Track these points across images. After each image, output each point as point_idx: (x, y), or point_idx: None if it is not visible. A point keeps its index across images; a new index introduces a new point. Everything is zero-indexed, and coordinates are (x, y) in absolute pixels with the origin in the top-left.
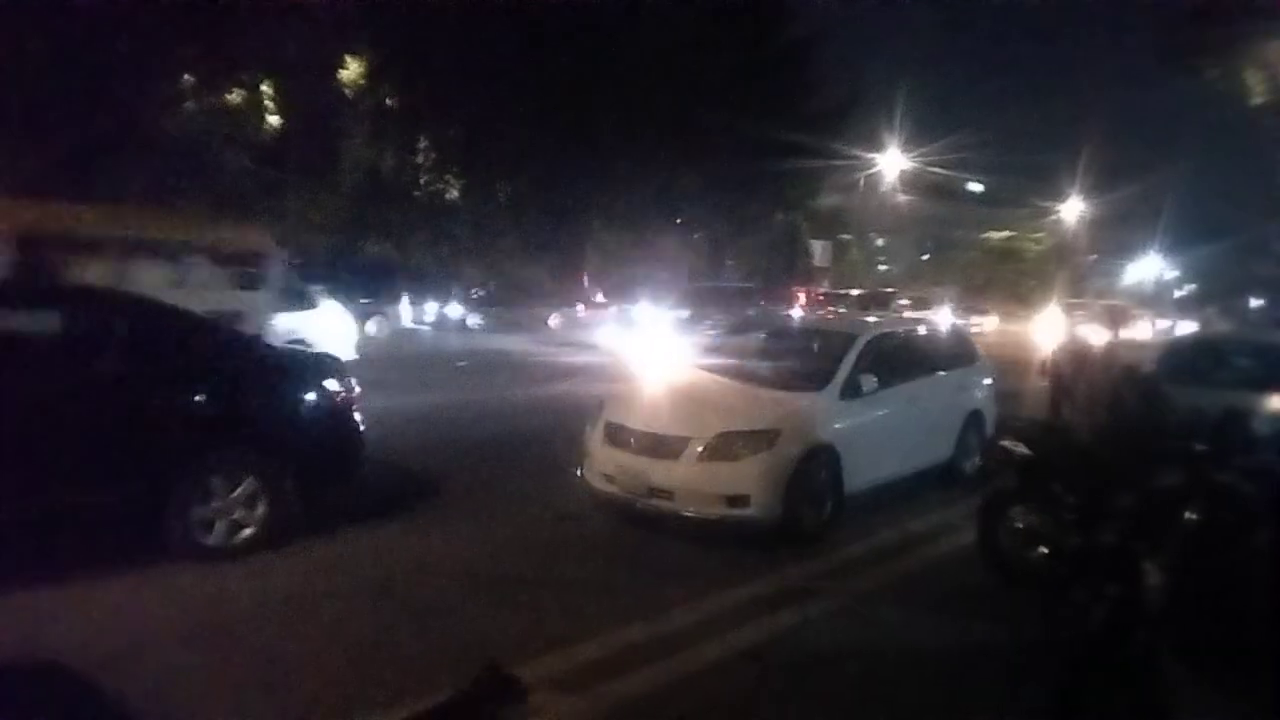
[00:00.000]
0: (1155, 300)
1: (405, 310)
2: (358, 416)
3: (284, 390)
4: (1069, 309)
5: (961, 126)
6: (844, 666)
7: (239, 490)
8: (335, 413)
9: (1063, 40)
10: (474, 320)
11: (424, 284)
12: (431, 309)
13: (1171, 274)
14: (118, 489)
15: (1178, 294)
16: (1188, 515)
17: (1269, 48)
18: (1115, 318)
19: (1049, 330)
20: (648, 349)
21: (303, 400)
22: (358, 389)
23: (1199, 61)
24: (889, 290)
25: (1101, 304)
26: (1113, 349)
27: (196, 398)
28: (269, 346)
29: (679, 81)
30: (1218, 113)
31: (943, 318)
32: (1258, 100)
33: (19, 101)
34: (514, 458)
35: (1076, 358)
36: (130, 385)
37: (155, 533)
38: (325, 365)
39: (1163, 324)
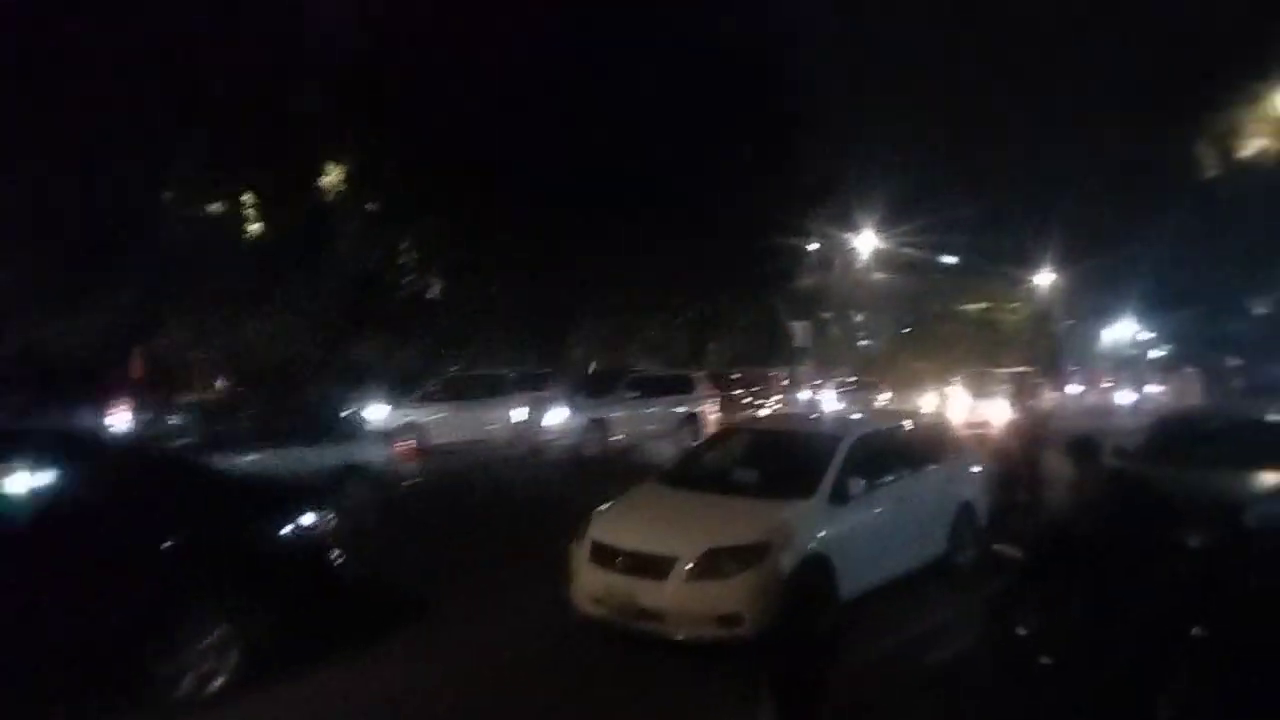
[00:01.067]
0: (1132, 362)
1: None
2: (336, 551)
3: (257, 528)
4: (977, 379)
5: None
6: None
7: (209, 639)
8: (313, 547)
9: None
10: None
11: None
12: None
13: (1146, 336)
14: (76, 641)
15: (1153, 354)
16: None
17: (1217, 123)
18: (1023, 388)
19: (938, 404)
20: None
21: (277, 537)
22: (334, 519)
23: (1154, 139)
24: (772, 374)
25: (1007, 372)
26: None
27: (161, 541)
28: (241, 479)
29: (670, 168)
30: (1185, 180)
31: (825, 398)
32: (1213, 173)
33: (20, 203)
34: (497, 575)
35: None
36: (87, 529)
37: (119, 687)
38: (300, 496)
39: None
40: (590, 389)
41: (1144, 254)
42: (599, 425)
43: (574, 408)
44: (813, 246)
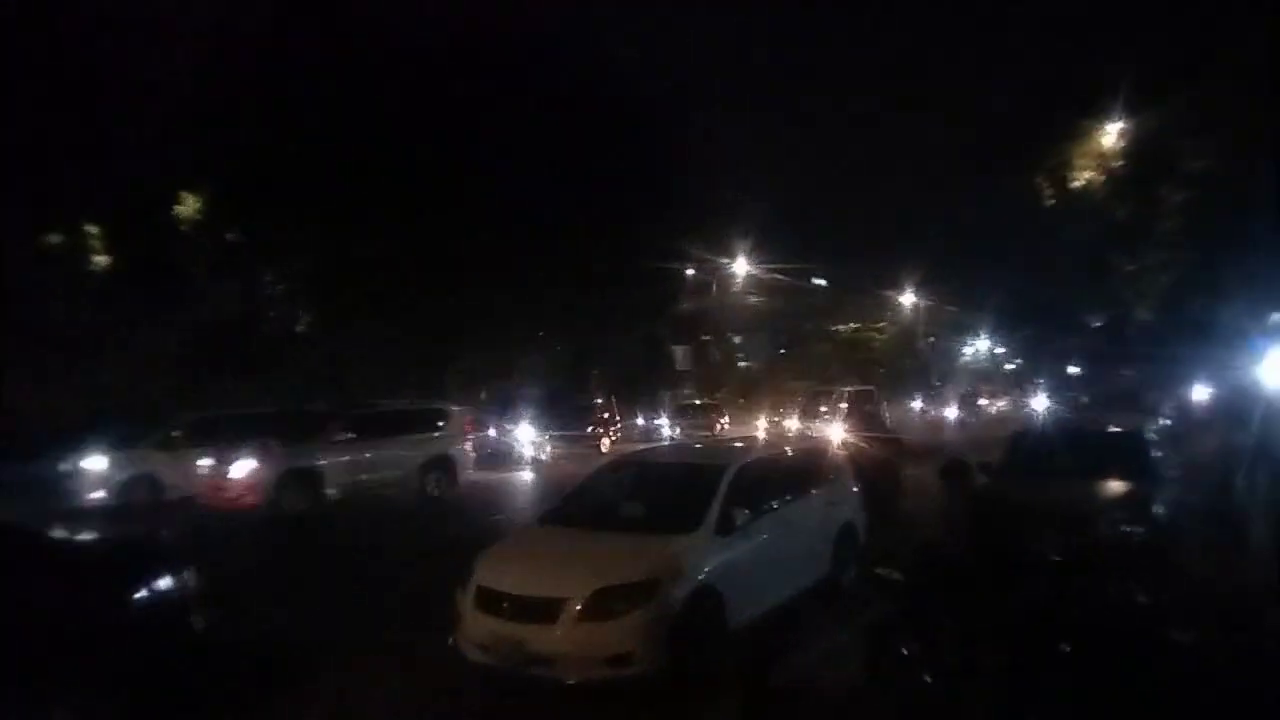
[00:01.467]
0: (990, 376)
1: None
2: (196, 615)
3: (101, 596)
4: (812, 399)
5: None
6: None
7: None
8: (166, 615)
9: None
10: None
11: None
12: None
13: (1000, 350)
14: None
15: (1008, 367)
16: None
17: (1050, 157)
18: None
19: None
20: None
21: (124, 606)
22: (195, 582)
23: (998, 172)
24: (597, 401)
25: (845, 390)
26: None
27: None
28: (84, 545)
29: (539, 194)
30: (1027, 208)
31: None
32: (1049, 202)
33: None
34: (378, 623)
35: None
36: None
37: None
38: (152, 561)
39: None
40: (296, 430)
41: (994, 275)
42: (303, 478)
43: (266, 457)
44: (690, 272)
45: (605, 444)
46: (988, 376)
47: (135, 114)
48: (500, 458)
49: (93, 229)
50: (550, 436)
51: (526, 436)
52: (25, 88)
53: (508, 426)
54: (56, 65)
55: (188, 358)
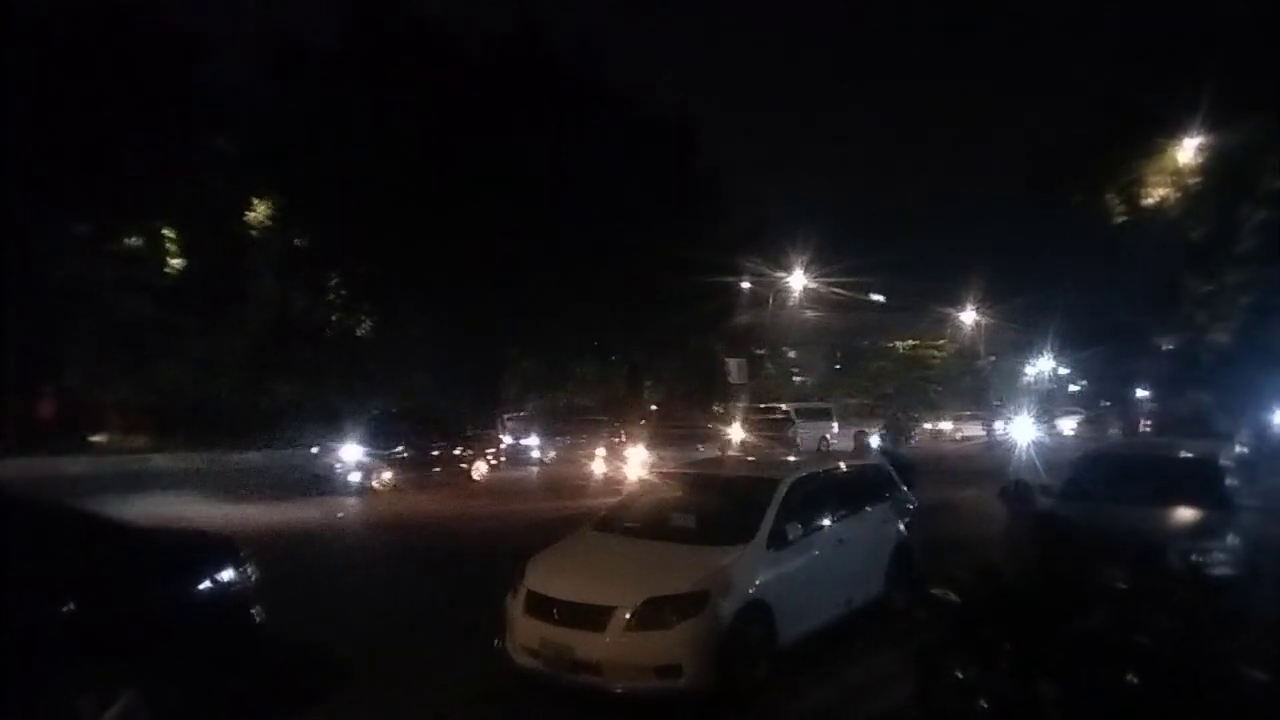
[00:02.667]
0: (1050, 396)
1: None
2: (255, 608)
3: (167, 586)
4: (752, 417)
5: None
6: None
7: (113, 709)
8: (230, 606)
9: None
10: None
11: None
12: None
13: (1064, 371)
14: None
15: (1072, 389)
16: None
17: (1121, 174)
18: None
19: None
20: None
21: (191, 595)
22: (254, 574)
23: (1065, 189)
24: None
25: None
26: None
27: (57, 604)
28: (150, 533)
29: (596, 209)
30: (1097, 226)
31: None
32: (1119, 219)
33: None
34: (429, 625)
35: None
36: None
37: None
38: (217, 552)
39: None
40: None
41: (1060, 294)
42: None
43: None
44: (746, 285)
45: (479, 470)
46: (1049, 397)
47: (212, 124)
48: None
49: (169, 232)
50: (391, 458)
51: (351, 457)
52: (107, 93)
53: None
54: (137, 73)
55: (253, 359)
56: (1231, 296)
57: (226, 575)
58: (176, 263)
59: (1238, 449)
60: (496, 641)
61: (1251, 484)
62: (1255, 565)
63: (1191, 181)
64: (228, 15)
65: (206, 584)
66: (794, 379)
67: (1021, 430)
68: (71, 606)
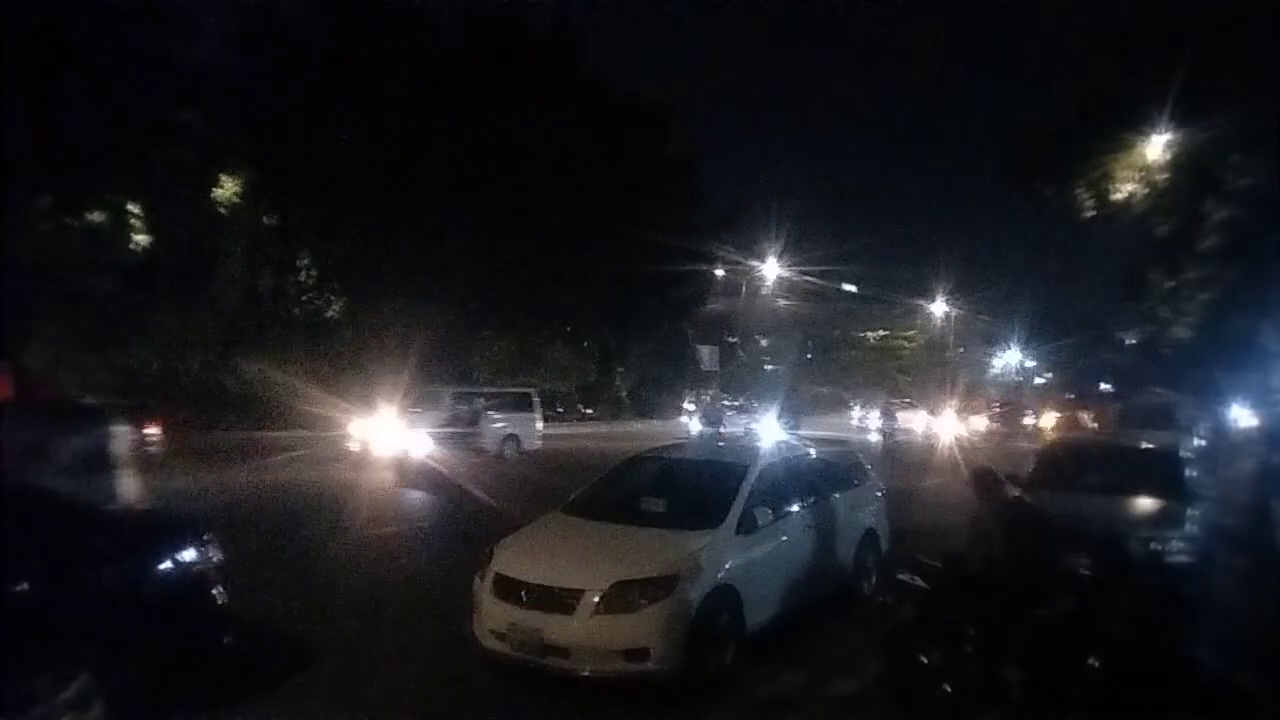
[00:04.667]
0: (1017, 389)
1: None
2: (218, 589)
3: (125, 566)
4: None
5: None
6: None
7: (68, 691)
8: (190, 587)
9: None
10: None
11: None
12: None
13: (1030, 364)
14: None
15: (1038, 381)
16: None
17: (1091, 169)
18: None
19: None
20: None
21: (150, 576)
22: (217, 555)
23: (1034, 182)
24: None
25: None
26: None
27: (10, 583)
28: (108, 513)
29: (569, 192)
30: (1066, 220)
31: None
32: (1087, 214)
33: None
34: (395, 608)
35: None
36: None
37: None
38: (178, 532)
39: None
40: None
41: (1028, 287)
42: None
43: None
44: (720, 273)
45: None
46: (1015, 388)
47: (179, 96)
48: None
49: (134, 208)
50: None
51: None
52: (71, 66)
53: None
54: (102, 45)
55: (222, 338)
56: (1193, 292)
57: (188, 555)
58: (142, 239)
59: (1197, 441)
60: (468, 627)
61: (1209, 475)
62: (1211, 554)
63: (1159, 178)
64: None
65: (167, 564)
66: (765, 367)
67: (945, 426)
68: (25, 586)
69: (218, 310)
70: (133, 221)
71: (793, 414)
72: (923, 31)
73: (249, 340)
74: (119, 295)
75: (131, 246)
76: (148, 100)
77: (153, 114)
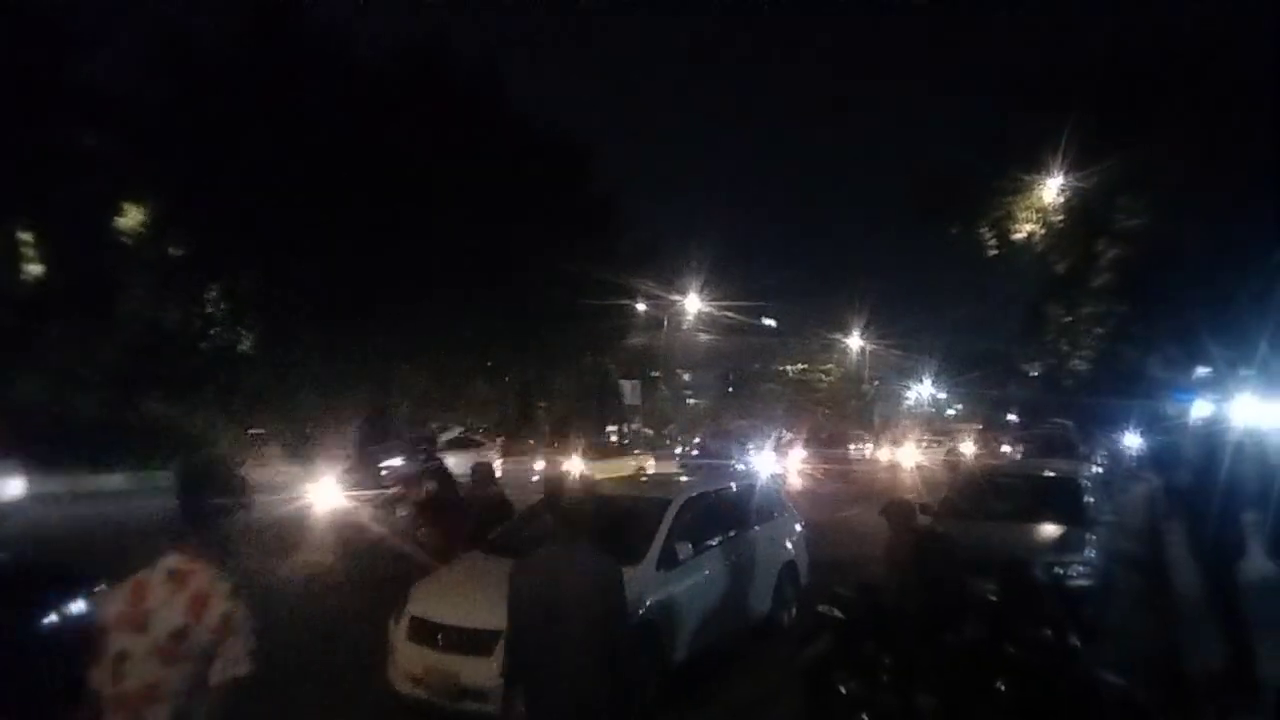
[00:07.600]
0: (929, 421)
1: None
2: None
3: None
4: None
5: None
6: None
7: None
8: (81, 639)
9: (838, 196)
10: None
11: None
12: None
13: (941, 396)
14: None
15: (949, 412)
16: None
17: (993, 209)
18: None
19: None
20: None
21: (33, 629)
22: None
23: (942, 220)
24: None
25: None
26: None
27: None
28: None
29: (488, 225)
30: (973, 258)
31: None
32: (991, 252)
33: None
34: (308, 653)
35: None
36: None
37: None
38: (63, 581)
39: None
40: None
41: (939, 322)
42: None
43: None
44: (641, 307)
45: None
46: (929, 421)
47: (78, 121)
48: None
49: (26, 236)
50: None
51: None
52: None
53: None
54: None
55: (121, 374)
56: (1089, 326)
57: (78, 607)
58: (35, 269)
59: (1094, 469)
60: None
61: (1107, 501)
62: (1109, 576)
63: (1055, 219)
64: (111, 8)
65: (50, 617)
66: (688, 401)
67: (905, 455)
68: None
69: (117, 344)
70: (23, 250)
71: (740, 445)
72: (843, 69)
73: (152, 376)
74: (7, 327)
75: (22, 277)
76: (44, 125)
77: (50, 139)
